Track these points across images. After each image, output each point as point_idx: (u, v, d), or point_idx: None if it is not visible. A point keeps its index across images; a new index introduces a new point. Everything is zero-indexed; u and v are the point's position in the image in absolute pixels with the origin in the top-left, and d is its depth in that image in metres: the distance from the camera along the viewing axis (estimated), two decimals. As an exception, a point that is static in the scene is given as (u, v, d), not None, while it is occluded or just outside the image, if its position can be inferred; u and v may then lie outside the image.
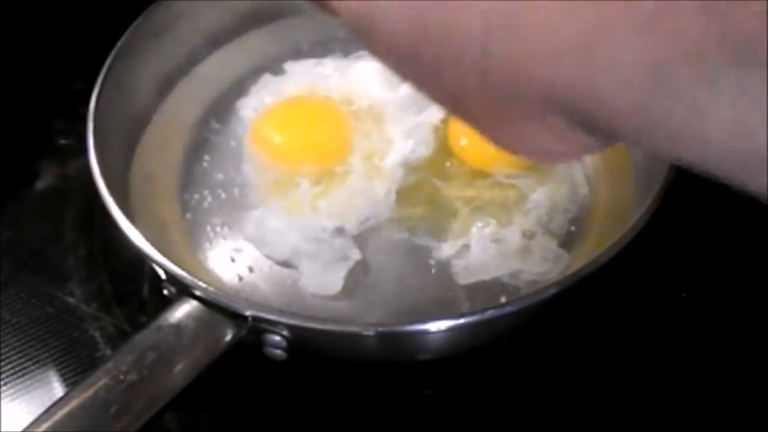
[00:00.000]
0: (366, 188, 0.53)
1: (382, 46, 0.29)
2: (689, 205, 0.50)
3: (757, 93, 0.22)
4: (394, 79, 0.57)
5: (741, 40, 0.22)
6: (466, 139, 0.54)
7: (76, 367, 0.48)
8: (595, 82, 0.24)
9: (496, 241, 0.50)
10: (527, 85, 0.26)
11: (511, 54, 0.25)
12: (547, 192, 0.52)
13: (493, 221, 0.51)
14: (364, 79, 0.58)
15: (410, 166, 0.54)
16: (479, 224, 0.51)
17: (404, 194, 0.53)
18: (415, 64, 0.29)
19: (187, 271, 0.42)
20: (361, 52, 0.59)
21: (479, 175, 0.53)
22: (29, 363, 0.49)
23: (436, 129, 0.55)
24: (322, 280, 0.49)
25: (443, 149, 0.54)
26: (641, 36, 0.23)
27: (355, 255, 0.50)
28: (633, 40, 0.23)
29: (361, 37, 0.29)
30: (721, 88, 0.22)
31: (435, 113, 0.55)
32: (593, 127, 0.26)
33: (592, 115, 0.25)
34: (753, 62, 0.22)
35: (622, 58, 0.24)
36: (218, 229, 0.52)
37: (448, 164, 0.54)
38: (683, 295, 0.50)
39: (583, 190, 0.53)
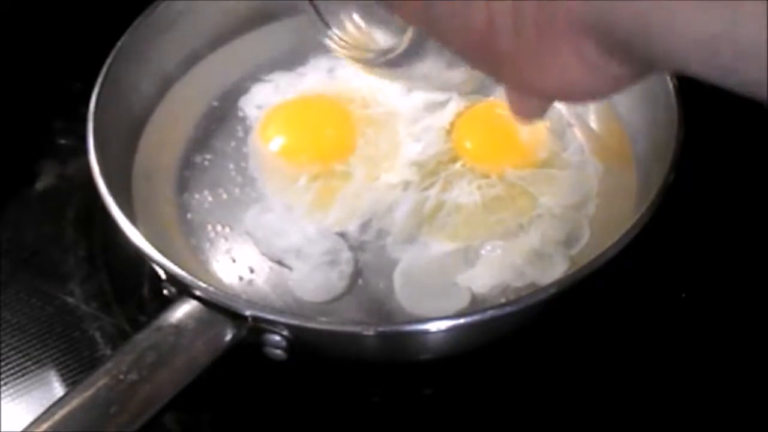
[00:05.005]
0: (372, 189, 0.53)
1: None
2: (689, 205, 0.50)
3: None
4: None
5: None
6: (472, 141, 0.54)
7: (76, 367, 0.48)
8: None
9: (502, 243, 0.50)
10: (559, 5, 0.26)
11: None
12: (555, 194, 0.52)
13: (499, 223, 0.51)
14: (369, 80, 0.58)
15: (418, 168, 0.53)
16: (485, 226, 0.51)
17: (411, 195, 0.52)
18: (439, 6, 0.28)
19: (187, 271, 0.42)
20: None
21: (487, 177, 0.53)
22: (29, 363, 0.49)
23: (447, 132, 0.55)
24: (319, 284, 0.49)
25: (452, 152, 0.54)
26: None
27: (358, 256, 0.50)
28: None
29: None
30: None
31: (446, 116, 0.55)
32: (626, 49, 0.26)
33: (624, 30, 0.25)
34: None
35: None
36: (219, 229, 0.52)
37: (456, 166, 0.54)
38: (683, 295, 0.50)
39: (587, 191, 0.53)
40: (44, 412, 0.38)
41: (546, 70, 0.28)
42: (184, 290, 0.42)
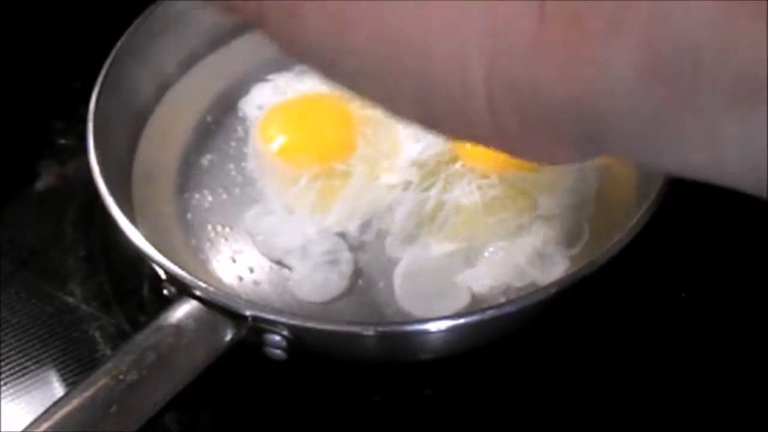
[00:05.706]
0: (372, 189, 0.53)
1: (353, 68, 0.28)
2: (689, 205, 0.50)
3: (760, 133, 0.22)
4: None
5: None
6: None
7: (76, 367, 0.48)
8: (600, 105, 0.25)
9: (502, 243, 0.50)
10: (534, 108, 0.26)
11: (517, 80, 0.25)
12: (555, 194, 0.52)
13: (499, 224, 0.51)
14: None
15: (418, 168, 0.53)
16: (485, 226, 0.51)
17: (411, 195, 0.52)
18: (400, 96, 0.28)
19: (187, 271, 0.42)
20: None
21: (487, 177, 0.53)
22: (29, 363, 0.49)
23: None
24: (319, 284, 0.49)
25: (452, 152, 0.54)
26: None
27: (358, 256, 0.50)
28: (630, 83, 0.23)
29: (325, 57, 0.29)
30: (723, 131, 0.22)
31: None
32: (600, 146, 0.26)
33: (599, 136, 0.26)
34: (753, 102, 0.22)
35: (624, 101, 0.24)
36: (219, 229, 0.52)
37: (456, 166, 0.53)
38: (683, 295, 0.50)
39: (587, 191, 0.53)
40: (44, 412, 0.38)
41: (521, 150, 0.28)
42: (184, 290, 0.42)
